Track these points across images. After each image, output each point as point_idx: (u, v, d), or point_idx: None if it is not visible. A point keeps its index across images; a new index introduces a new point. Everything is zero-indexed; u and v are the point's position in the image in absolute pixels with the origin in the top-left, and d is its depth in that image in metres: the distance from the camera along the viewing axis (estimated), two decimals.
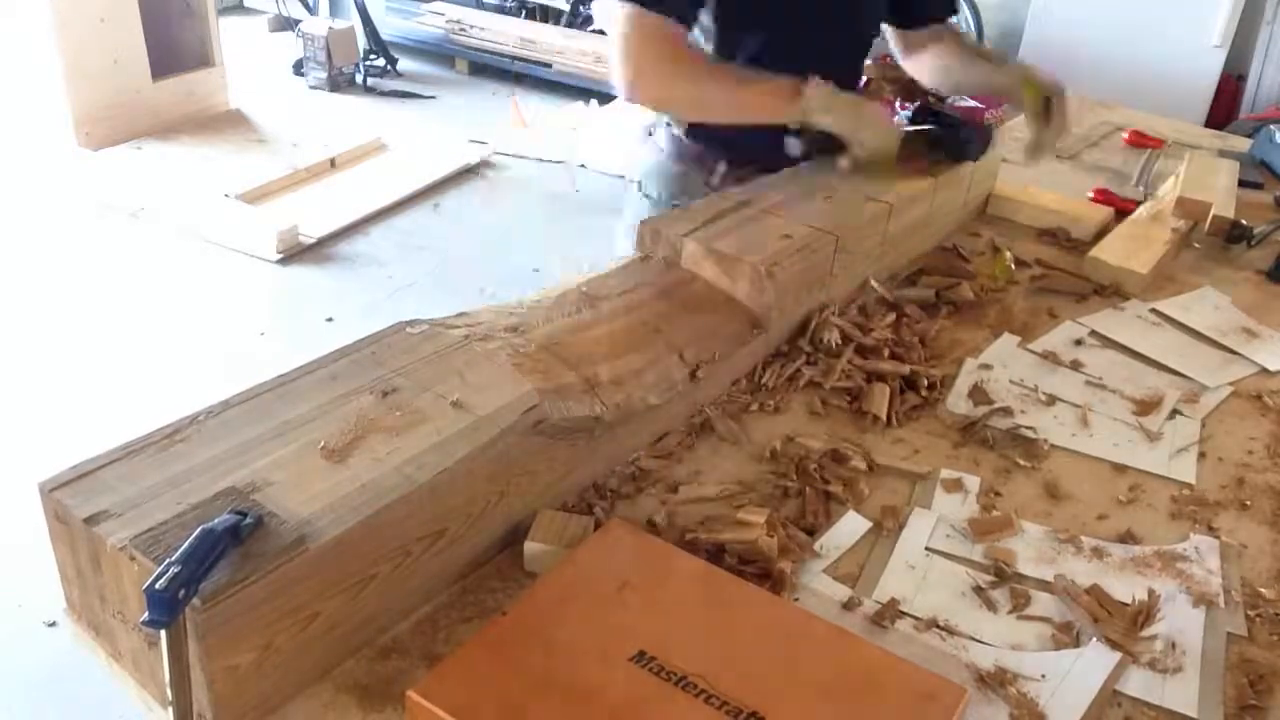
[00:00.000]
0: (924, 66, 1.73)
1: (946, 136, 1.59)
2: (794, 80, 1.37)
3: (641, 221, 1.34)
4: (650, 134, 1.72)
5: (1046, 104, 1.57)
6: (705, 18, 1.49)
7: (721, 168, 1.64)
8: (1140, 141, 2.27)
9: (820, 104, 1.37)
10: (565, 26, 5.84)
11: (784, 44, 1.50)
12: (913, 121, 1.60)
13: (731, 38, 1.51)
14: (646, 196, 1.73)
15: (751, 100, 1.40)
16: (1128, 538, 1.09)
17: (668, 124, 1.67)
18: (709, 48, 1.53)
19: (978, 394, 1.31)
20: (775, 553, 0.99)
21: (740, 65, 1.48)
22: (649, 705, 0.77)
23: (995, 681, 0.90)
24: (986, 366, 1.37)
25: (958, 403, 1.29)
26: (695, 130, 1.63)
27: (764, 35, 1.51)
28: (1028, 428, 1.24)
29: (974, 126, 1.63)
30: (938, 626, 0.95)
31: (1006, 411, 1.28)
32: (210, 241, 3.90)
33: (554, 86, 5.80)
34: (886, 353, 1.34)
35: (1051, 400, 1.32)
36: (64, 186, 4.16)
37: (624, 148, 4.40)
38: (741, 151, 1.60)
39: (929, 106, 1.63)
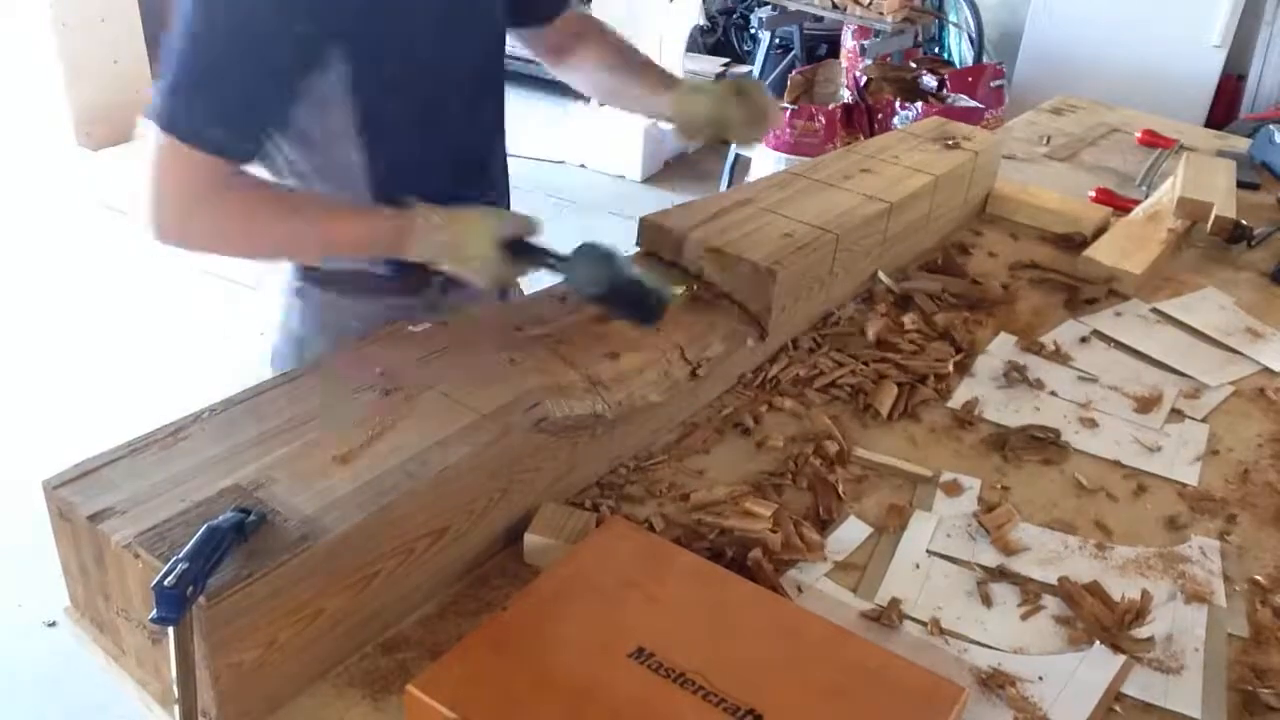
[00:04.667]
0: (576, 76, 1.41)
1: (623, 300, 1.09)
2: (396, 211, 1.07)
3: (643, 218, 1.34)
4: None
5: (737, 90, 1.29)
6: (326, 121, 1.11)
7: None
8: (1153, 141, 2.27)
9: (429, 236, 1.06)
10: None
11: (424, 76, 1.15)
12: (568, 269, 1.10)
13: (377, 117, 1.12)
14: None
15: (340, 235, 1.07)
16: (1130, 537, 1.10)
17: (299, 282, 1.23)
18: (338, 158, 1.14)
19: (1013, 374, 1.34)
20: (779, 548, 0.99)
21: (320, 186, 1.15)
22: (647, 702, 0.77)
23: (996, 684, 0.90)
24: (1015, 368, 1.37)
25: (979, 401, 1.30)
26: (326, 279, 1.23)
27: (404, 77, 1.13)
28: (1052, 429, 1.24)
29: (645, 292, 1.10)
30: (940, 630, 0.95)
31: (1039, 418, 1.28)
32: None
33: (554, 86, 5.77)
34: (894, 349, 1.34)
35: (1052, 397, 1.32)
36: (64, 186, 4.15)
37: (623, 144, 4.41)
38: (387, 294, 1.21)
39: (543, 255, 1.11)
